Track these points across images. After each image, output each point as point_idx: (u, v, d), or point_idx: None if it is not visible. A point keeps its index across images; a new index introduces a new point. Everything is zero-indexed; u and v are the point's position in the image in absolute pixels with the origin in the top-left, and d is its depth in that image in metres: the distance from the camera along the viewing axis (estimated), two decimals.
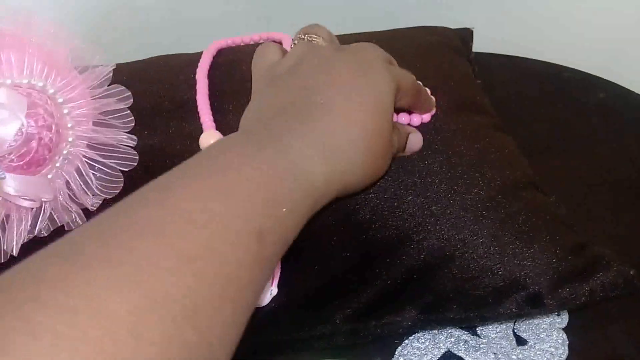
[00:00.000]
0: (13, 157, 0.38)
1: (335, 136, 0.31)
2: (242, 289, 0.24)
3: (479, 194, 0.42)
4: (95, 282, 0.20)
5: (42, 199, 0.39)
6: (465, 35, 0.61)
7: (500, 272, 0.40)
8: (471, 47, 0.61)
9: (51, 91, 0.40)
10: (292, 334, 0.40)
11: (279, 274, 0.40)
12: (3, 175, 0.37)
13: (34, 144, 0.39)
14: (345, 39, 0.56)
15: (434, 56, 0.53)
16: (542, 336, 0.44)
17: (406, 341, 0.44)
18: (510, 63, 0.70)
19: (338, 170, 0.31)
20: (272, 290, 0.39)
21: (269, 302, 0.40)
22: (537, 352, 0.43)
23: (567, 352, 0.43)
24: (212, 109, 0.48)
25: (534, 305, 0.40)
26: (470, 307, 0.40)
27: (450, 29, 0.60)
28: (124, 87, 0.44)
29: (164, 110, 0.49)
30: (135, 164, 0.44)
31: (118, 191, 0.43)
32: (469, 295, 0.39)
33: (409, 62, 0.52)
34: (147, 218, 0.23)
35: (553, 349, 0.43)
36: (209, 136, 0.45)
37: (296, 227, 0.29)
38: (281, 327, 0.40)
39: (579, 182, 0.56)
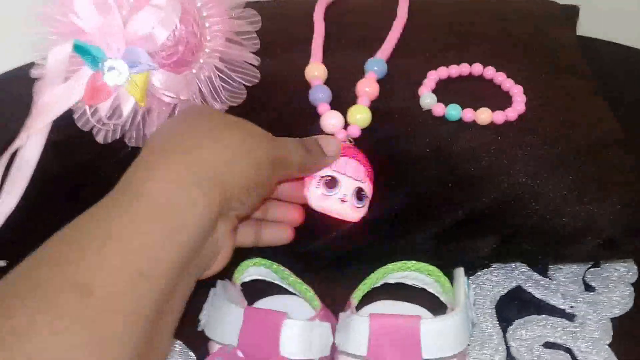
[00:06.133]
0: (164, 55, 0.44)
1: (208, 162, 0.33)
2: None
3: (566, 145, 0.45)
4: None
5: (180, 97, 0.45)
6: (571, 10, 0.63)
7: (578, 215, 0.43)
8: (575, 22, 0.63)
9: (199, 4, 0.46)
10: (377, 246, 0.45)
11: (369, 199, 0.44)
12: (156, 67, 0.43)
13: (180, 47, 0.44)
14: (454, 6, 0.60)
15: (537, 21, 0.57)
16: (610, 286, 0.47)
17: (480, 273, 0.48)
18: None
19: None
20: (366, 214, 0.44)
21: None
22: (603, 299, 0.46)
23: (631, 303, 0.46)
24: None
25: (608, 249, 0.43)
26: (547, 243, 0.43)
27: (557, 2, 0.63)
28: (255, 12, 0.49)
29: (283, 42, 0.55)
30: (257, 80, 0.49)
31: (241, 101, 0.48)
32: (547, 231, 0.43)
33: (512, 26, 0.55)
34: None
35: (619, 298, 0.46)
36: (314, 67, 0.51)
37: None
38: (369, 239, 0.45)
39: None
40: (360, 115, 0.47)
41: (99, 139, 0.46)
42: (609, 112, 0.50)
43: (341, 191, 0.44)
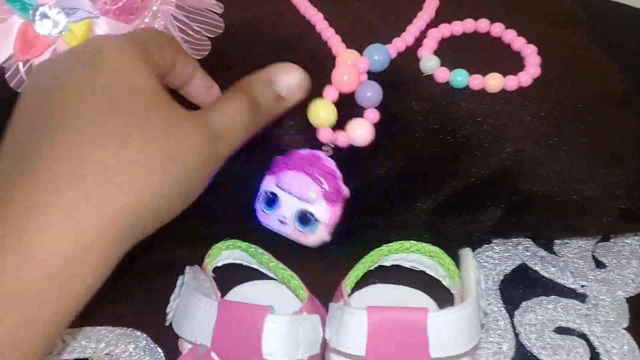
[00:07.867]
0: (107, 0, 0.37)
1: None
2: None
3: (578, 107, 0.40)
4: None
5: None
6: None
7: (593, 182, 0.38)
8: None
9: None
10: (373, 220, 0.39)
11: (333, 221, 0.36)
12: (97, 15, 0.35)
13: None
14: None
15: None
16: (622, 262, 0.42)
17: (480, 249, 0.43)
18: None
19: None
20: (325, 239, 0.37)
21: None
22: (616, 277, 0.41)
23: None
24: None
25: (626, 220, 0.38)
26: (557, 214, 0.38)
27: None
28: None
29: None
30: (221, 31, 0.42)
31: (205, 54, 0.42)
32: (557, 200, 0.38)
33: None
34: None
35: (633, 276, 0.41)
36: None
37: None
38: (364, 213, 0.39)
39: None
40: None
41: None
42: (611, 67, 0.45)
43: (280, 211, 0.36)
